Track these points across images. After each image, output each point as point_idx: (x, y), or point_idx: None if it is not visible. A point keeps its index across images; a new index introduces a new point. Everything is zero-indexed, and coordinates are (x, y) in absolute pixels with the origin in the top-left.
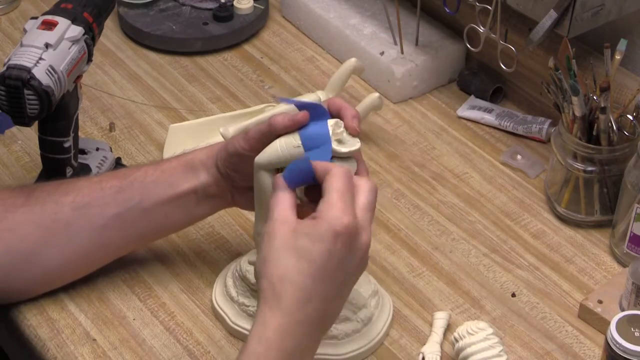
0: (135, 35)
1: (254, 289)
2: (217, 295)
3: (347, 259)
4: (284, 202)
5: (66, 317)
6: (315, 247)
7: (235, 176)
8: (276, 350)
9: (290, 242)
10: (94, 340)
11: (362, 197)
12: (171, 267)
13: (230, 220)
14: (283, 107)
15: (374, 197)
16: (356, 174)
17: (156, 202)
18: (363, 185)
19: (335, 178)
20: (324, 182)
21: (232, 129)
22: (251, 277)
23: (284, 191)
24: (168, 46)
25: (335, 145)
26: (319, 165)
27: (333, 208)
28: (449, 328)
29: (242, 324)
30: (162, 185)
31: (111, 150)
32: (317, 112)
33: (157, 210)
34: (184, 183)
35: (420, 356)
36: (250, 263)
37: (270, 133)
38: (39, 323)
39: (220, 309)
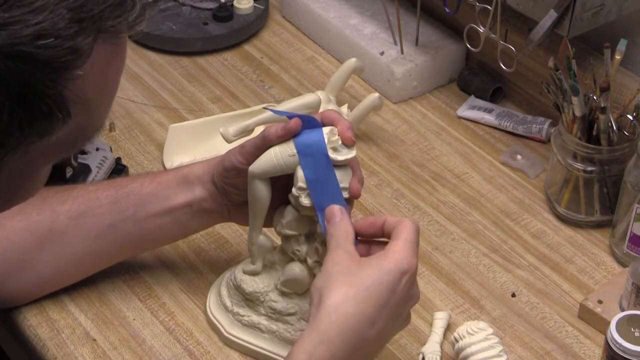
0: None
1: (248, 299)
2: (212, 305)
3: (405, 299)
4: (346, 232)
5: (66, 317)
6: (382, 278)
7: (231, 191)
8: None
9: (354, 270)
10: (94, 340)
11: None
12: (171, 267)
13: None
14: (270, 113)
15: None
16: (351, 182)
17: (150, 214)
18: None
19: (407, 229)
20: (395, 229)
21: (232, 129)
22: (246, 286)
23: (345, 221)
24: (168, 46)
25: (330, 153)
26: (390, 219)
27: (403, 250)
28: (449, 328)
29: (237, 333)
30: (157, 197)
31: (111, 150)
32: (309, 123)
33: (151, 222)
34: (179, 196)
35: (420, 356)
36: (245, 272)
37: (265, 145)
38: (39, 323)
39: (215, 318)
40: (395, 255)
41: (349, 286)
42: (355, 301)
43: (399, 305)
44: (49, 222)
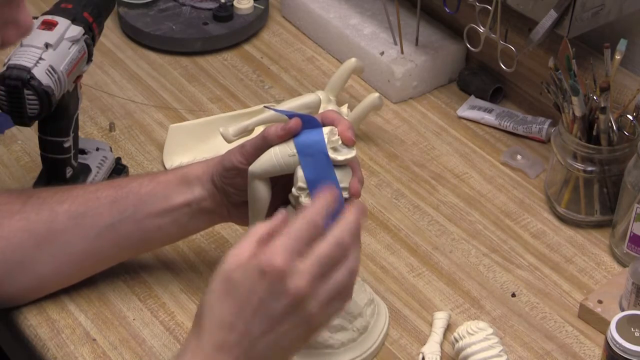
0: (135, 35)
1: None
2: None
3: (270, 301)
4: (251, 235)
5: (66, 317)
6: (242, 281)
7: (231, 191)
8: None
9: (227, 274)
10: (94, 340)
11: (323, 247)
12: (171, 267)
13: None
14: (270, 113)
15: (336, 250)
16: (351, 182)
17: (150, 213)
18: (336, 235)
19: (303, 213)
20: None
21: (232, 129)
22: None
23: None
24: (168, 46)
25: (330, 153)
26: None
27: (270, 248)
28: (449, 328)
29: None
30: (157, 197)
31: (111, 150)
32: (309, 123)
33: (151, 222)
34: (178, 196)
35: (420, 356)
36: None
37: (265, 145)
38: (39, 323)
39: None
40: (262, 254)
41: (216, 287)
42: (216, 305)
43: (264, 306)
44: (48, 221)
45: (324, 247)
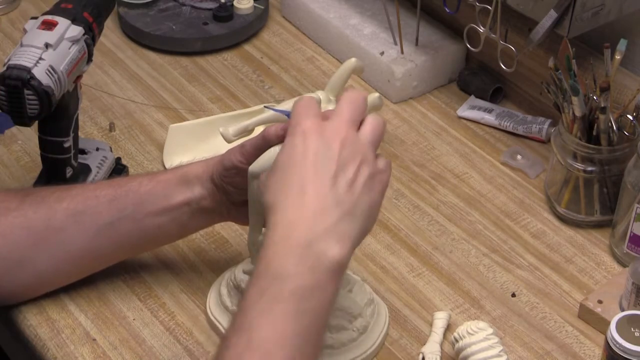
0: (135, 35)
1: None
2: (212, 305)
3: (324, 151)
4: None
5: (66, 317)
6: (291, 155)
7: (231, 190)
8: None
9: (275, 167)
10: (94, 340)
11: (342, 98)
12: (171, 267)
13: None
14: (270, 113)
15: (353, 95)
16: None
17: (149, 212)
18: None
19: (299, 102)
20: None
21: (232, 129)
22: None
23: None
24: (168, 46)
25: None
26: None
27: (294, 119)
28: (449, 328)
29: None
30: (156, 196)
31: (111, 150)
32: None
33: (150, 221)
34: (178, 195)
35: (420, 356)
36: (245, 272)
37: (265, 145)
38: (39, 323)
39: (215, 319)
40: (291, 128)
41: (271, 184)
42: (281, 193)
43: (321, 157)
44: (46, 219)
45: (343, 97)
